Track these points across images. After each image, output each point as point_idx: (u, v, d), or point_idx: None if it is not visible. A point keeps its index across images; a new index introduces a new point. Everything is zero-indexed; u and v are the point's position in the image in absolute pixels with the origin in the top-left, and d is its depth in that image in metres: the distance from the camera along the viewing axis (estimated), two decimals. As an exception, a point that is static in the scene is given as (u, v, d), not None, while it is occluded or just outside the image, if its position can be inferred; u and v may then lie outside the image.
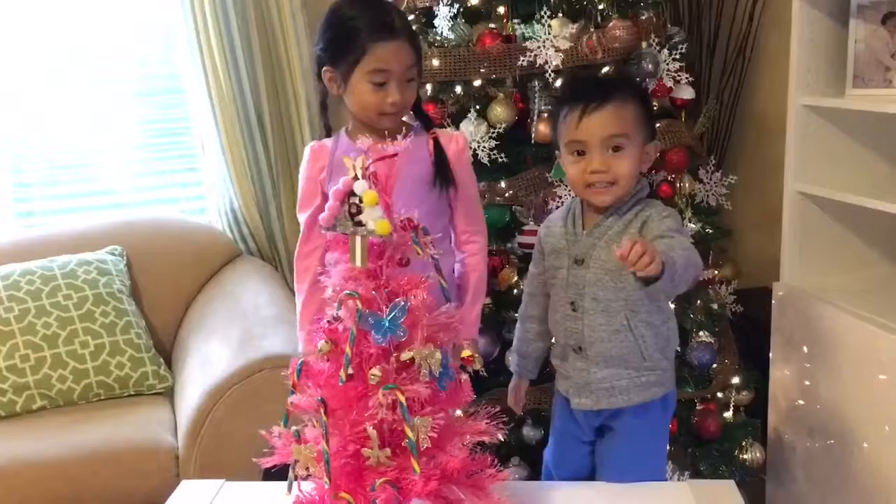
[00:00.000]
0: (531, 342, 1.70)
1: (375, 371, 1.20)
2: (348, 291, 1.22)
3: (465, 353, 1.28)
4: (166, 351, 2.47)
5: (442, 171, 1.65)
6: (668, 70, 2.05)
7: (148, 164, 2.79)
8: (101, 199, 2.78)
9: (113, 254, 2.48)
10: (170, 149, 2.79)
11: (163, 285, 2.53)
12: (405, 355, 1.21)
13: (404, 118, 1.68)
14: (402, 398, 1.19)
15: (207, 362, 2.14)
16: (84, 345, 2.26)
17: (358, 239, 1.19)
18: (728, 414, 2.25)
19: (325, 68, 1.62)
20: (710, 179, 2.23)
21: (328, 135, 1.73)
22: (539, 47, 1.94)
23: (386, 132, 1.54)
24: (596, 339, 1.51)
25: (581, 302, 1.51)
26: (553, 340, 1.66)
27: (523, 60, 1.95)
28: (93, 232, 2.57)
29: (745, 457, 2.20)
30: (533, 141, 2.04)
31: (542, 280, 1.63)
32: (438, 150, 1.65)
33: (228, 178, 2.65)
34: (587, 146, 1.48)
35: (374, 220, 1.17)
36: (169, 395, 2.31)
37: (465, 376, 1.29)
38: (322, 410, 1.23)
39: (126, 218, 2.68)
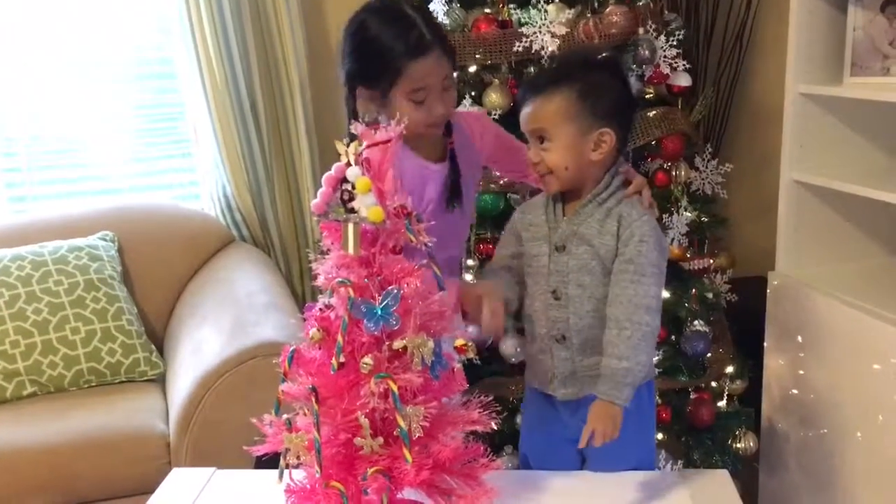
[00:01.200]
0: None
1: (367, 359, 1.19)
2: (340, 279, 1.21)
3: (459, 342, 1.27)
4: (158, 337, 2.46)
5: (454, 188, 1.63)
6: (664, 57, 2.03)
7: (140, 150, 2.77)
8: (93, 185, 2.76)
9: (104, 239, 2.46)
10: (163, 134, 2.77)
11: (155, 271, 2.52)
12: (397, 344, 1.20)
13: None
14: (393, 387, 1.17)
15: (199, 349, 2.13)
16: (75, 331, 2.24)
17: (350, 226, 1.17)
18: (722, 403, 2.25)
19: (359, 89, 1.58)
20: (706, 167, 2.22)
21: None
22: (535, 33, 1.92)
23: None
24: (583, 327, 1.49)
25: (564, 290, 1.49)
26: (527, 333, 1.59)
27: (519, 46, 1.93)
28: (84, 217, 2.55)
29: (739, 446, 2.20)
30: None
31: (509, 261, 1.59)
32: (454, 165, 1.64)
33: (221, 164, 2.63)
34: (528, 139, 1.52)
35: (366, 206, 1.15)
36: (160, 381, 2.30)
37: (458, 365, 1.28)
38: (313, 399, 1.22)
39: (118, 204, 2.66)
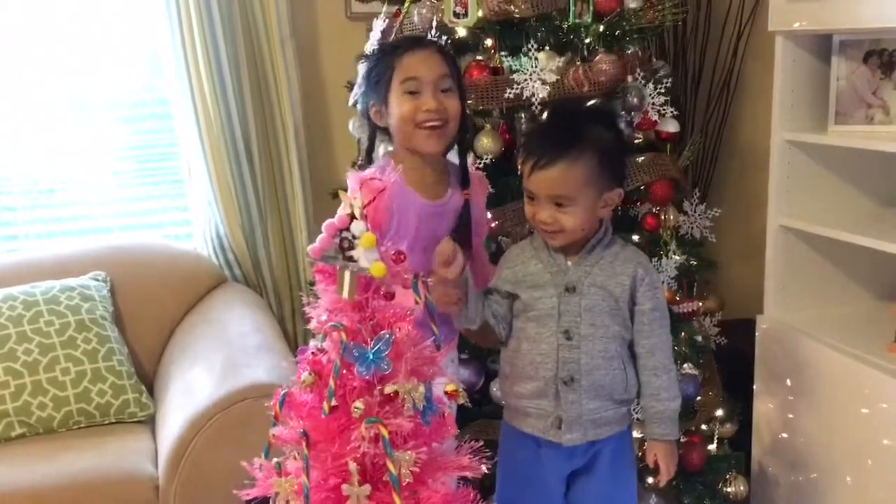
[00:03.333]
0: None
1: (358, 404, 1.20)
2: (333, 323, 1.22)
3: (450, 386, 1.28)
4: (149, 378, 2.45)
5: (465, 234, 1.64)
6: (653, 104, 2.06)
7: (134, 190, 2.78)
8: (86, 224, 2.76)
9: (96, 279, 2.46)
10: (156, 174, 2.78)
11: (147, 311, 2.51)
12: (389, 388, 1.21)
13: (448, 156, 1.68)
14: (384, 432, 1.18)
15: (190, 390, 2.12)
16: (65, 371, 2.23)
17: (347, 273, 1.20)
18: (712, 446, 2.24)
19: (371, 105, 1.63)
20: (695, 212, 2.24)
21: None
22: (526, 80, 1.95)
23: (427, 160, 1.57)
24: (593, 367, 1.52)
25: (577, 329, 1.52)
26: (522, 379, 1.58)
27: (510, 93, 1.96)
28: (76, 257, 2.55)
29: (729, 490, 2.19)
30: (519, 172, 2.05)
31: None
32: (466, 213, 1.65)
33: (215, 204, 2.65)
34: (536, 196, 1.53)
35: (370, 261, 1.18)
36: (150, 423, 2.28)
37: (448, 410, 1.28)
38: (304, 443, 1.22)
39: (110, 243, 2.67)
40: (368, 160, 1.71)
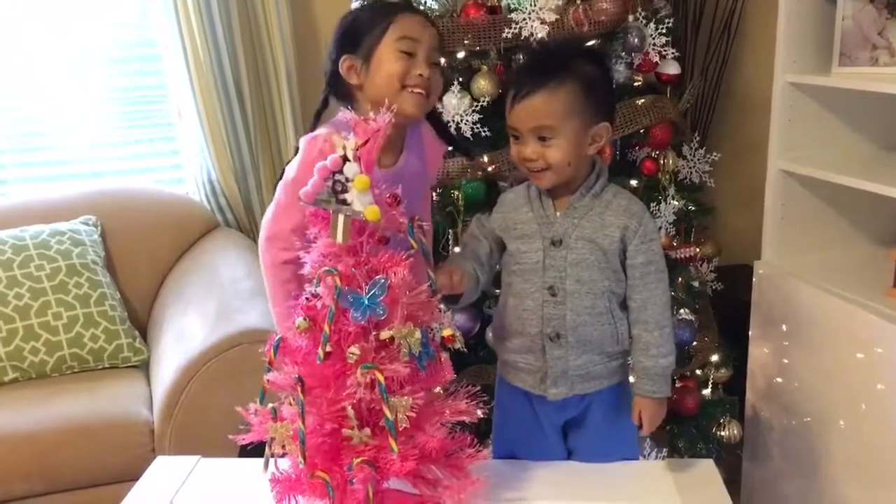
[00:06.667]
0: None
1: (354, 349, 1.18)
2: (327, 268, 1.20)
3: (447, 331, 1.26)
4: (142, 323, 2.44)
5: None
6: (654, 45, 2.02)
7: (124, 133, 2.73)
8: (76, 168, 2.72)
9: (87, 224, 2.43)
10: (146, 117, 2.73)
11: (138, 257, 2.49)
12: (384, 334, 1.19)
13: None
14: (380, 378, 1.17)
15: (183, 336, 2.11)
16: (57, 316, 2.22)
17: (341, 217, 1.17)
18: (706, 391, 2.26)
19: (343, 58, 1.54)
20: (694, 156, 2.21)
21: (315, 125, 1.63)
22: (524, 19, 1.90)
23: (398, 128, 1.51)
24: (579, 324, 1.47)
25: (562, 285, 1.47)
26: (511, 334, 1.54)
27: (508, 32, 1.91)
28: (66, 201, 2.52)
29: (723, 434, 2.21)
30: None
31: (475, 256, 1.54)
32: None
33: (206, 148, 2.60)
34: (519, 132, 1.46)
35: (364, 205, 1.15)
36: (144, 368, 2.28)
37: (445, 354, 1.27)
38: (299, 388, 1.21)
39: (101, 187, 2.63)
40: (316, 123, 1.62)
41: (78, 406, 2.05)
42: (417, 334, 1.18)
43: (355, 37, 1.54)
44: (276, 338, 1.25)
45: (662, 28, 2.02)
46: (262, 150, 2.64)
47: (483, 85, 1.98)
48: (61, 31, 2.60)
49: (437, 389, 1.28)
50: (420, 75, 1.51)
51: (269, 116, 2.65)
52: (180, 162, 2.77)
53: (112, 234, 2.48)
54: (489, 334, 2.03)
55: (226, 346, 1.96)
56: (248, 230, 2.70)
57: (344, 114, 1.58)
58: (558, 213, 1.49)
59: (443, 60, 1.67)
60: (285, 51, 2.57)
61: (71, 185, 2.65)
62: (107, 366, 2.26)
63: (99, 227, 2.46)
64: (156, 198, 2.63)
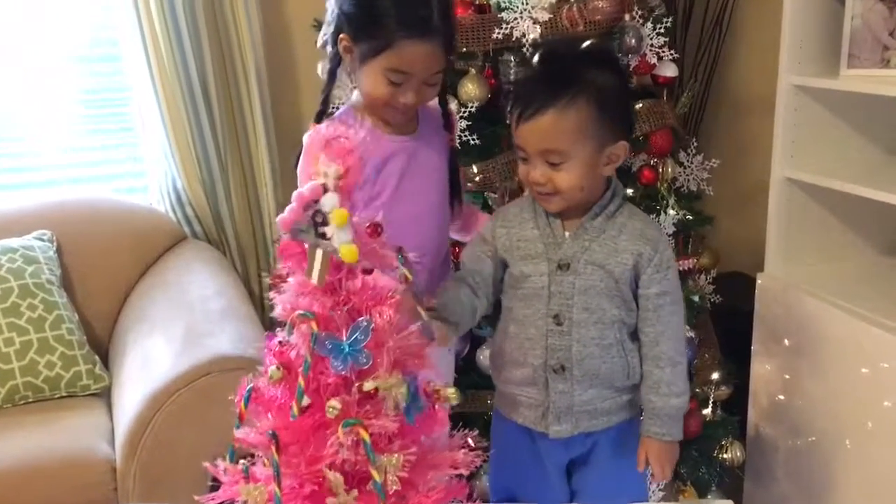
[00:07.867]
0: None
1: (334, 403, 1.04)
2: (301, 312, 1.05)
3: (452, 392, 1.13)
4: (102, 347, 2.28)
5: (455, 184, 1.56)
6: (651, 45, 1.90)
7: (82, 139, 2.56)
8: (29, 177, 2.54)
9: (41, 239, 2.27)
10: (106, 121, 2.57)
11: (98, 274, 2.33)
12: (368, 385, 1.05)
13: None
14: (365, 436, 1.03)
15: (148, 362, 1.97)
16: (9, 342, 2.06)
17: (319, 253, 1.02)
18: (706, 410, 2.15)
19: (342, 35, 1.44)
20: (691, 163, 2.10)
21: (324, 108, 1.54)
22: (516, 19, 1.78)
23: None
24: (586, 356, 1.35)
25: (568, 313, 1.34)
26: (511, 364, 1.42)
27: (498, 33, 1.79)
28: (19, 214, 2.35)
29: (726, 456, 2.11)
30: (507, 121, 1.88)
31: (472, 278, 1.42)
32: (453, 161, 1.55)
33: (170, 155, 2.45)
34: (527, 154, 1.33)
35: (340, 242, 1.01)
36: (105, 396, 2.13)
37: (438, 405, 1.13)
38: (273, 447, 1.06)
39: (56, 198, 2.46)
40: (325, 104, 1.53)
41: (32, 442, 1.90)
42: (404, 388, 1.04)
43: (358, 24, 1.42)
44: (248, 387, 1.11)
45: (660, 27, 1.90)
46: (231, 156, 2.50)
47: (471, 89, 1.86)
48: (16, 29, 2.42)
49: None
50: (404, 104, 1.41)
51: (238, 119, 2.50)
52: (143, 169, 2.61)
53: (69, 250, 2.32)
54: (480, 355, 1.90)
55: (195, 376, 1.81)
56: (218, 242, 2.55)
57: (346, 106, 1.53)
58: (567, 234, 1.36)
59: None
60: (255, 50, 2.43)
61: (23, 196, 2.48)
62: (64, 394, 2.10)
63: (54, 243, 2.30)
64: (116, 209, 2.47)
